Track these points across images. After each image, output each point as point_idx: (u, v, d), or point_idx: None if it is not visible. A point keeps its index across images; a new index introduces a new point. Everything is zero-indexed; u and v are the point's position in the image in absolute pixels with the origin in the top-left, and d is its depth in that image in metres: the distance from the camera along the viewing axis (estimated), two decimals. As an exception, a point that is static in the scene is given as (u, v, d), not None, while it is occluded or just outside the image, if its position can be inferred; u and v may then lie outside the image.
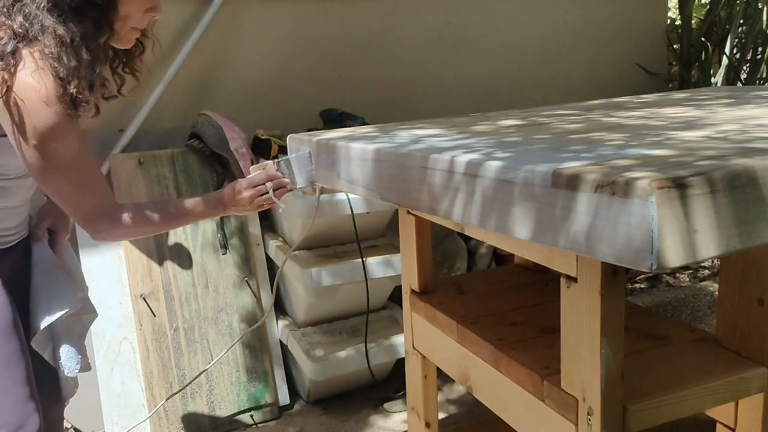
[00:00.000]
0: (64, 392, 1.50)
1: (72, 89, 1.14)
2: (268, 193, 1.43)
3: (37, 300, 1.40)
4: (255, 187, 1.42)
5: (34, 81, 1.13)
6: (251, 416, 2.20)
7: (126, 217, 1.32)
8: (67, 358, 1.45)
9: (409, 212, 1.60)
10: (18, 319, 1.32)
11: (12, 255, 1.37)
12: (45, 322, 1.38)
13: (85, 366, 1.50)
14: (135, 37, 1.32)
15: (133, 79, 1.41)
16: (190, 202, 1.41)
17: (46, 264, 1.43)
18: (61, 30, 1.14)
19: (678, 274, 3.18)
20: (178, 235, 2.24)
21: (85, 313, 1.53)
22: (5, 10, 1.14)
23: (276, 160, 1.50)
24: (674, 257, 0.77)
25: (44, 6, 1.13)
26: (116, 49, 1.34)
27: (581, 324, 1.07)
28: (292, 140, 1.62)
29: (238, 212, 1.48)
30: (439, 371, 1.67)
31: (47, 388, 1.44)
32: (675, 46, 3.60)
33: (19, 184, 1.29)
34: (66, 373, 1.45)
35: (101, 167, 2.29)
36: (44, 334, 1.41)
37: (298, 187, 1.52)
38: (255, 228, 2.36)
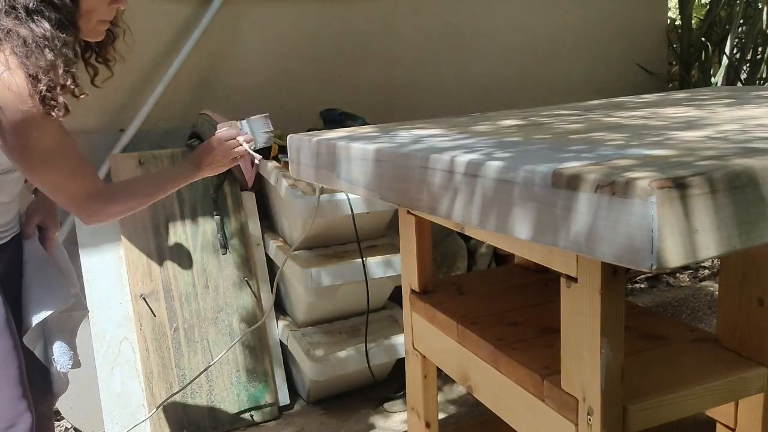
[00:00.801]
0: (55, 389, 1.50)
1: (42, 87, 1.15)
2: (240, 146, 1.57)
3: (29, 296, 1.40)
4: (228, 140, 1.56)
5: (5, 78, 1.14)
6: (251, 416, 2.20)
7: (113, 195, 1.39)
8: (59, 353, 1.45)
9: (409, 212, 1.60)
10: (11, 317, 1.32)
11: (4, 253, 1.37)
12: (38, 317, 1.38)
13: (76, 362, 1.50)
14: (104, 29, 1.34)
15: (106, 69, 1.43)
16: (166, 172, 1.58)
17: (37, 261, 1.43)
18: (23, 32, 1.16)
19: (678, 274, 3.18)
20: (178, 235, 2.24)
21: (77, 309, 1.53)
22: None
23: (240, 119, 1.64)
24: (674, 257, 0.77)
25: (1, 8, 1.16)
26: (88, 41, 1.36)
27: (581, 324, 1.07)
28: (292, 140, 1.62)
29: (213, 171, 1.58)
30: (439, 371, 1.67)
31: (38, 385, 1.44)
32: (675, 46, 3.60)
33: (5, 179, 1.29)
34: (59, 369, 1.45)
35: (101, 167, 2.30)
36: (36, 330, 1.41)
37: (259, 146, 1.65)
38: (255, 228, 2.36)
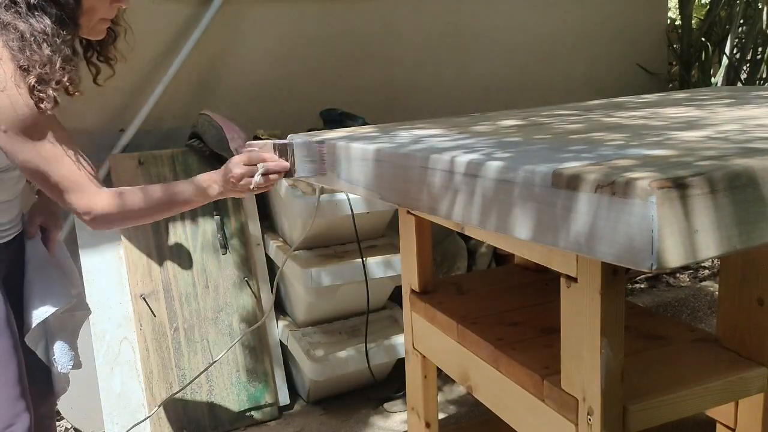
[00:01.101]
0: (56, 389, 1.50)
1: (31, 79, 1.15)
2: (256, 174, 1.32)
3: (31, 296, 1.40)
4: (247, 166, 1.32)
5: None
6: (251, 416, 2.20)
7: (113, 202, 1.28)
8: (60, 353, 1.45)
9: (409, 212, 1.60)
10: (11, 317, 1.32)
11: (6, 252, 1.37)
12: (39, 317, 1.38)
13: (77, 363, 1.50)
14: (105, 27, 1.34)
15: (107, 68, 1.42)
16: (181, 185, 1.34)
17: (39, 260, 1.44)
18: (21, 26, 1.16)
19: (678, 274, 3.18)
20: (178, 235, 2.24)
21: (79, 309, 1.53)
22: None
23: (275, 142, 1.39)
24: (674, 257, 0.77)
25: (2, 3, 1.17)
26: (89, 39, 1.36)
27: (581, 324, 1.07)
28: (292, 140, 1.62)
29: (232, 194, 1.36)
30: (439, 371, 1.67)
31: (38, 385, 1.45)
32: (675, 46, 3.60)
33: (4, 177, 1.29)
34: (59, 369, 1.45)
35: (101, 167, 2.30)
36: (38, 330, 1.41)
37: (298, 176, 1.40)
38: (255, 228, 2.36)
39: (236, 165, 1.33)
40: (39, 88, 1.16)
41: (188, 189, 1.35)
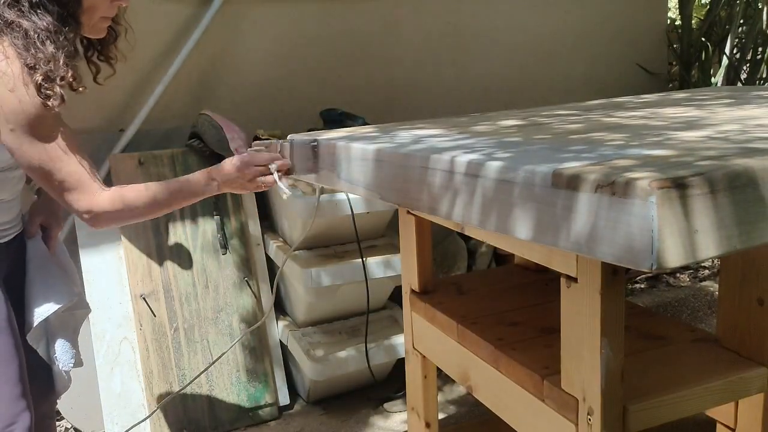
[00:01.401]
0: (57, 387, 1.51)
1: (38, 77, 1.16)
2: (271, 173, 1.41)
3: (32, 294, 1.41)
4: (257, 166, 1.41)
5: (1, 67, 1.15)
6: (251, 416, 2.20)
7: (114, 200, 1.31)
8: (62, 351, 1.45)
9: (409, 212, 1.60)
10: (12, 316, 1.33)
11: (7, 251, 1.37)
12: (41, 315, 1.38)
13: (79, 361, 1.50)
14: (106, 26, 1.35)
15: (108, 67, 1.43)
16: (179, 182, 1.39)
17: (40, 259, 1.44)
18: (25, 24, 1.17)
19: (678, 274, 3.18)
20: (178, 235, 2.24)
21: (79, 308, 1.53)
22: None
23: (280, 141, 1.48)
24: (674, 257, 0.77)
25: (5, 1, 1.18)
26: (90, 38, 1.37)
27: (581, 324, 1.07)
28: (292, 140, 1.62)
29: (233, 190, 1.44)
30: (439, 371, 1.67)
31: (39, 384, 1.45)
32: (675, 46, 3.60)
33: (6, 176, 1.30)
34: (61, 367, 1.46)
35: (101, 167, 2.30)
36: (39, 329, 1.41)
37: (298, 174, 1.48)
38: (255, 228, 2.36)
39: (247, 165, 1.40)
40: (46, 86, 1.17)
41: (187, 187, 1.39)
